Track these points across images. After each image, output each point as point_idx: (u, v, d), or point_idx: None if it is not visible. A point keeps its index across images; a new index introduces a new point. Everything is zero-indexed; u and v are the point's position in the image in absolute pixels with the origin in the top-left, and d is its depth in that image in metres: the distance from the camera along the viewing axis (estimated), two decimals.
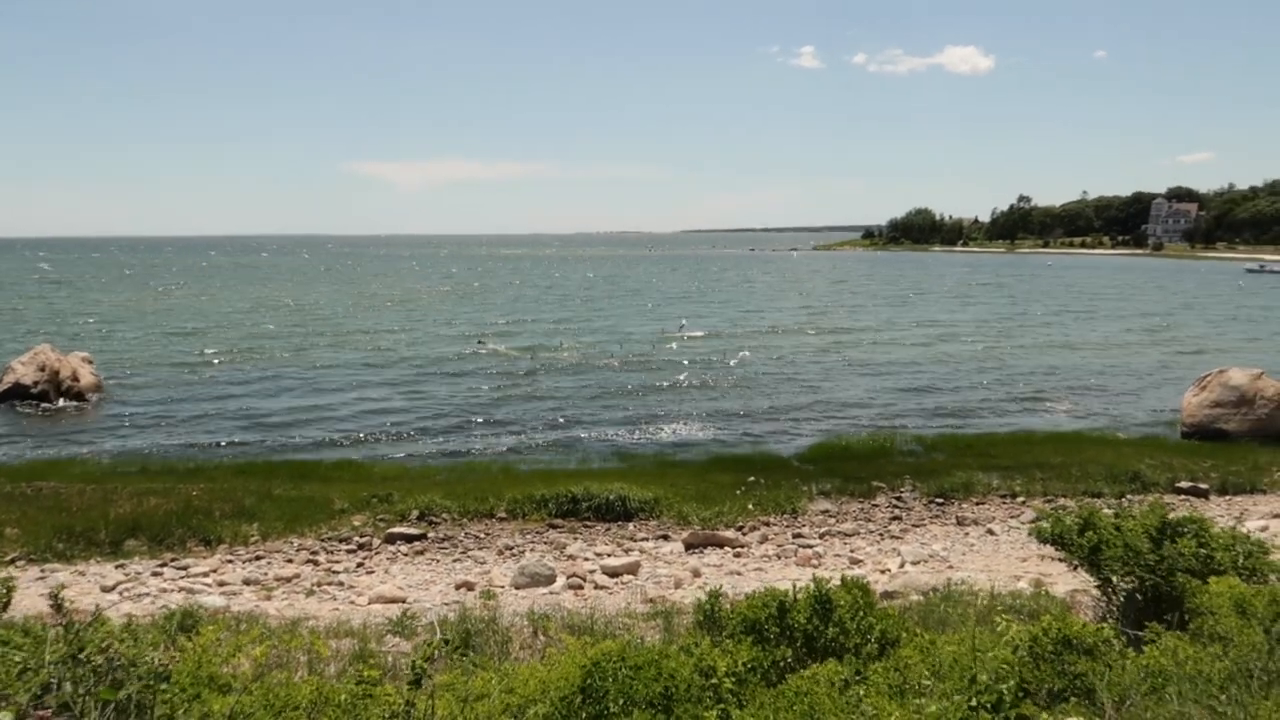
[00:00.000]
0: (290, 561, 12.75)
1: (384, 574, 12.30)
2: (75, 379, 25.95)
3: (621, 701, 4.33)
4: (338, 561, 12.76)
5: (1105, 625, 4.45)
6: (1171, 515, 7.74)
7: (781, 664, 5.51)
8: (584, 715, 4.32)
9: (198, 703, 4.81)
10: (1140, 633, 6.05)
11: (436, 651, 4.52)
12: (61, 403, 25.04)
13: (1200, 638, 5.10)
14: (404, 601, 10.85)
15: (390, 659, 7.79)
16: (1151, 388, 28.72)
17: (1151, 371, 32.08)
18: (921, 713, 3.61)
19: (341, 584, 11.78)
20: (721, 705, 4.37)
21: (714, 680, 4.95)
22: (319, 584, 11.74)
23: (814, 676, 4.49)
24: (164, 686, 4.49)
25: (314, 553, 13.15)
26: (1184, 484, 16.64)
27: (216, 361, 33.16)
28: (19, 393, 24.80)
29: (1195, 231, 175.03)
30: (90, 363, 27.61)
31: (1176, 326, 47.73)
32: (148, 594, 11.10)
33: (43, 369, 25.23)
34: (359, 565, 12.61)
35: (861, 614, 5.67)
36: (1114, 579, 7.67)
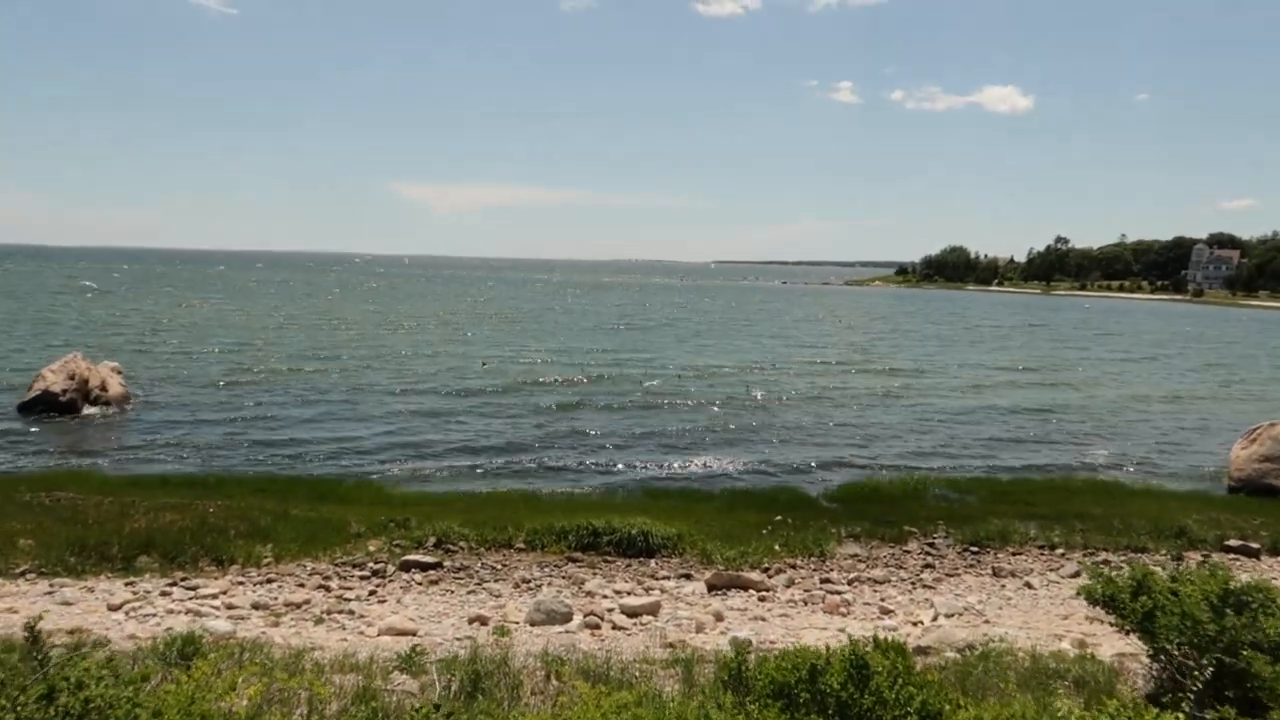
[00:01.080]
0: (302, 586, 12.41)
1: (396, 603, 11.92)
2: (104, 389, 26.02)
3: None
4: (350, 588, 12.40)
5: (1181, 716, 3.97)
6: (1234, 583, 7.21)
7: None
8: None
9: None
10: (1206, 716, 5.53)
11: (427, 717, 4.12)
12: (89, 411, 25.09)
13: None
14: (415, 634, 10.46)
15: (395, 699, 7.40)
16: (1196, 438, 27.82)
17: (1197, 421, 31.13)
18: None
19: (352, 612, 11.41)
20: None
21: None
22: (329, 611, 11.38)
23: None
24: None
25: (326, 577, 12.80)
26: (1233, 542, 15.88)
27: (247, 378, 33.22)
28: (48, 400, 24.88)
29: (1236, 279, 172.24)
30: (120, 373, 27.70)
31: (1224, 377, 46.40)
32: (154, 615, 10.80)
33: (72, 377, 25.32)
34: (371, 593, 12.24)
35: (900, 682, 5.21)
36: (1170, 649, 7.13)
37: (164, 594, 11.69)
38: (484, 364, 39.48)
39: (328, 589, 12.34)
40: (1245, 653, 6.36)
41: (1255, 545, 15.77)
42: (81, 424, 24.09)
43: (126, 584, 12.07)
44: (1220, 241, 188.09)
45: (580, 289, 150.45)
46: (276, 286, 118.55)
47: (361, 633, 10.58)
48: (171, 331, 50.14)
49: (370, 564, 13.39)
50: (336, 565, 13.36)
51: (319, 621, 11.01)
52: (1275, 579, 13.38)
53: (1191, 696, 4.71)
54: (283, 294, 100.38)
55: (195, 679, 5.35)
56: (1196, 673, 5.17)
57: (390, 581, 12.84)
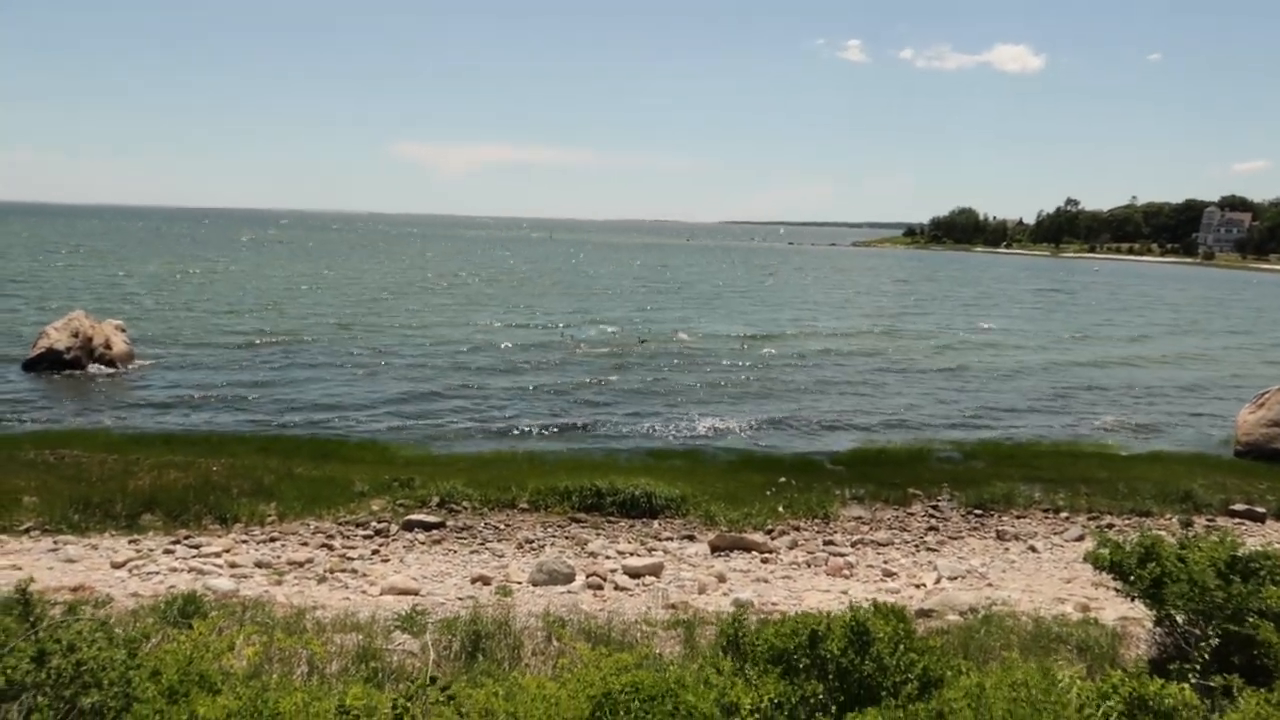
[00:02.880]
0: (305, 545, 12.45)
1: (399, 563, 11.95)
2: (108, 346, 25.98)
3: None
4: (353, 547, 12.43)
5: (1186, 686, 3.90)
6: (1242, 550, 7.13)
7: (811, 700, 5.01)
8: None
9: (184, 702, 4.40)
10: (1210, 683, 5.47)
11: (422, 689, 4.05)
12: (93, 369, 25.09)
13: None
14: (417, 594, 10.49)
15: (395, 659, 7.41)
16: (1204, 402, 27.63)
17: (1205, 385, 30.90)
18: None
19: (355, 571, 11.44)
20: None
21: (736, 719, 4.48)
22: (331, 570, 11.42)
23: None
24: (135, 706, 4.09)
25: (330, 536, 12.84)
26: (1239, 506, 15.81)
27: (252, 337, 33.16)
28: (52, 358, 24.86)
29: (1248, 242, 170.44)
30: (124, 331, 27.65)
31: (1238, 340, 45.94)
32: (157, 573, 10.83)
33: (76, 335, 25.28)
34: (374, 552, 12.27)
35: (902, 648, 5.15)
36: (1176, 615, 7.08)
37: (167, 552, 11.72)
38: (500, 326, 39.36)
39: (331, 548, 12.37)
40: (1251, 619, 6.30)
41: (1261, 510, 15.71)
42: (86, 382, 24.09)
43: (130, 541, 12.11)
44: (1232, 204, 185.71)
45: (591, 248, 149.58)
46: (281, 246, 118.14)
47: (364, 592, 10.61)
48: (176, 290, 50.07)
49: (373, 523, 13.41)
50: (340, 524, 13.38)
51: (321, 580, 11.04)
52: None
53: (1198, 666, 4.63)
54: (287, 253, 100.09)
55: (194, 639, 5.32)
56: (1203, 643, 5.08)
57: (393, 541, 12.87)
